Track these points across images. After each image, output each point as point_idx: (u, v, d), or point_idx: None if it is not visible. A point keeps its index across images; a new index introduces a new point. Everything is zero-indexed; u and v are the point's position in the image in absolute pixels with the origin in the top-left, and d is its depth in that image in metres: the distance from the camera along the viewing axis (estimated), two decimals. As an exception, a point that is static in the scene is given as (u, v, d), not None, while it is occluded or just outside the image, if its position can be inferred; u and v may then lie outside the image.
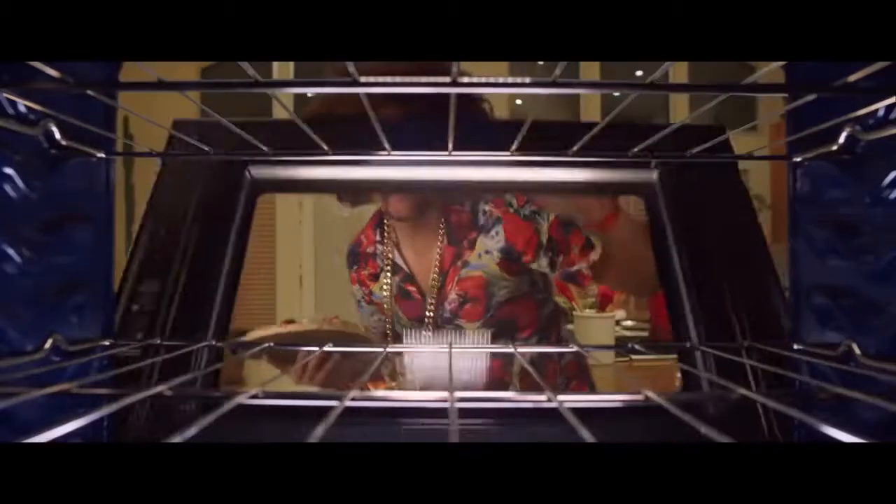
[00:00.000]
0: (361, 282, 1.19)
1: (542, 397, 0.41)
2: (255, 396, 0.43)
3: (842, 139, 0.62)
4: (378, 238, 1.17)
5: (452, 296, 1.10)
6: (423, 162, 0.94)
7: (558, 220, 1.11)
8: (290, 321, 0.94)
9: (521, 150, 0.68)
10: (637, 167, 0.85)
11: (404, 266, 1.15)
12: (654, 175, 0.85)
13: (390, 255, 1.16)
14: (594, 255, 1.12)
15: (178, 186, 0.88)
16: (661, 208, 0.85)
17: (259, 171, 0.85)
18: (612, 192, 0.99)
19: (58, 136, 0.62)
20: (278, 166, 0.84)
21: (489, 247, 1.10)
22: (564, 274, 1.13)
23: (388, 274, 1.15)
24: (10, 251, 0.60)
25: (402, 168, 0.87)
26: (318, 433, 0.29)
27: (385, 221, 1.17)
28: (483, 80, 0.49)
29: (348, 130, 0.68)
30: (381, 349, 0.77)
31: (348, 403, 0.38)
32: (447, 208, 1.13)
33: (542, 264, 1.12)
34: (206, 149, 0.71)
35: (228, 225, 0.88)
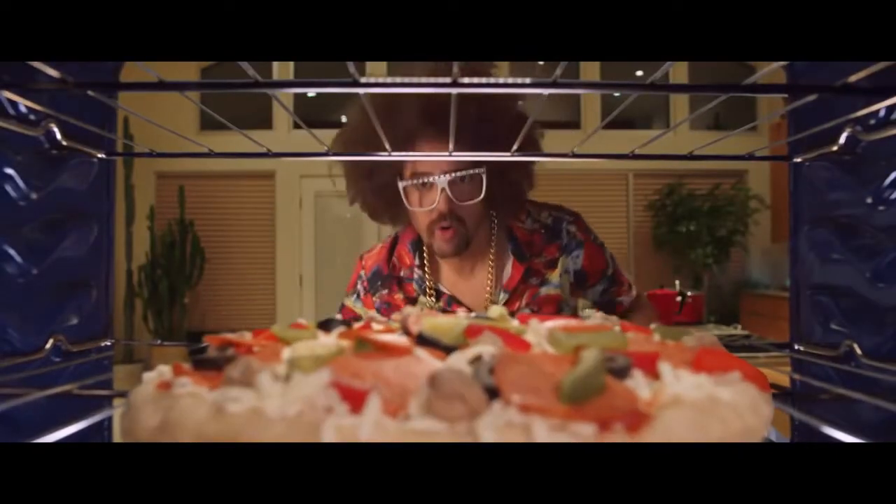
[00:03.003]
0: (393, 306, 1.10)
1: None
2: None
3: (842, 140, 0.62)
4: (417, 262, 1.09)
5: (525, 312, 1.05)
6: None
7: (612, 257, 1.14)
8: None
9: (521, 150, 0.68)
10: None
11: (446, 290, 1.09)
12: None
13: (430, 280, 1.09)
14: (633, 292, 1.15)
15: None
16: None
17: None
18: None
19: (58, 136, 0.62)
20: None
21: (568, 267, 1.08)
22: (605, 301, 1.14)
23: (433, 299, 1.07)
24: (11, 251, 0.60)
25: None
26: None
27: (424, 244, 1.09)
28: (483, 80, 0.49)
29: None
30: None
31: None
32: (511, 226, 1.09)
33: (597, 291, 1.12)
34: (207, 149, 0.71)
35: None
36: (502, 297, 1.07)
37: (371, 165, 1.00)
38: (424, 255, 1.10)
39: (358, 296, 1.12)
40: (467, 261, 1.08)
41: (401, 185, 0.97)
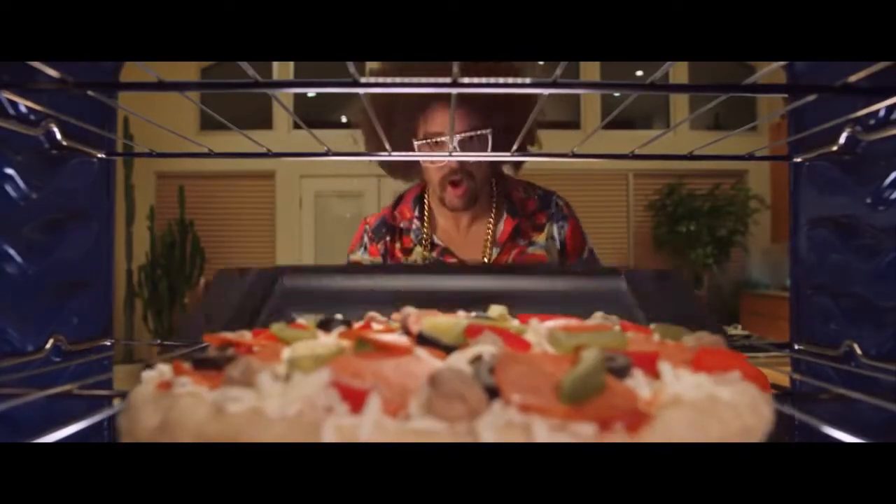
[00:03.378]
0: (390, 254, 1.20)
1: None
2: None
3: (842, 140, 0.62)
4: (417, 214, 1.20)
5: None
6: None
7: (592, 250, 1.24)
8: None
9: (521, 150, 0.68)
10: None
11: (440, 242, 1.19)
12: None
13: (427, 232, 1.19)
14: None
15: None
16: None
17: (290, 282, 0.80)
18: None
19: (58, 136, 0.62)
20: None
21: (553, 234, 1.18)
22: None
23: (427, 251, 1.18)
24: (11, 251, 0.60)
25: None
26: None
27: (425, 200, 1.21)
28: (483, 80, 0.49)
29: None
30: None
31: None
32: (510, 190, 1.20)
33: None
34: (207, 149, 0.71)
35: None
36: (494, 251, 1.16)
37: (388, 125, 1.09)
38: (425, 209, 1.20)
39: (364, 248, 1.22)
40: (466, 217, 1.18)
41: (416, 143, 1.07)
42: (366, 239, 1.22)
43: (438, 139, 1.04)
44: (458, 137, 1.02)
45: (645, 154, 0.72)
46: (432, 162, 1.07)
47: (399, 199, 1.24)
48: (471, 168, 1.07)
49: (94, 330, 0.73)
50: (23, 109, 0.59)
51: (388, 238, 1.20)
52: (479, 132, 1.02)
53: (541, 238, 1.17)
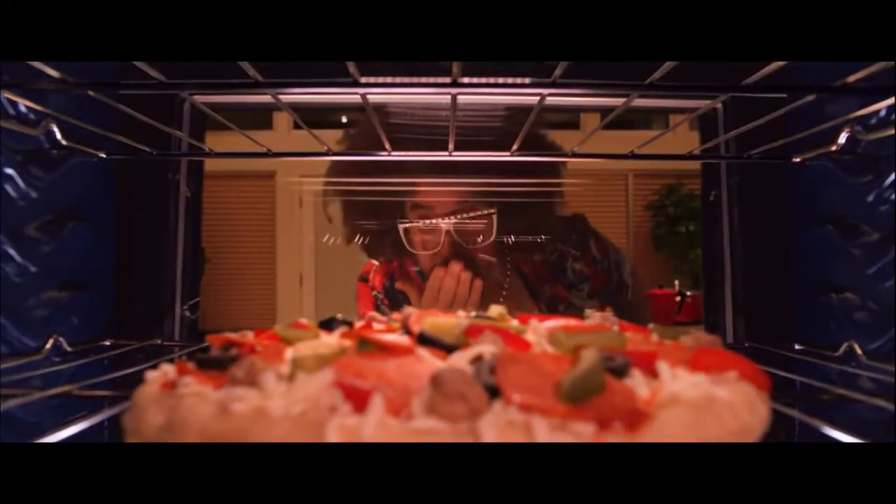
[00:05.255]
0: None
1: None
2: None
3: (842, 140, 0.62)
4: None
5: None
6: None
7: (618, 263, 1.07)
8: None
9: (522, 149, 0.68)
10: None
11: None
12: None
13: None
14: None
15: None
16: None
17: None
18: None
19: (58, 136, 0.62)
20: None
21: (579, 297, 1.02)
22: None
23: None
24: (11, 251, 0.60)
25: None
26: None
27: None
28: (483, 80, 0.49)
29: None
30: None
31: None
32: (519, 263, 1.00)
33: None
34: (206, 148, 0.71)
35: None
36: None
37: (370, 206, 0.93)
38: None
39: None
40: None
41: (401, 226, 0.89)
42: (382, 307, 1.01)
43: (429, 222, 0.87)
44: (451, 220, 0.86)
45: (645, 154, 0.72)
46: (424, 247, 0.90)
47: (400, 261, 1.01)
48: (470, 256, 0.86)
49: (94, 330, 0.73)
50: (23, 109, 0.59)
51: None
52: (481, 212, 0.86)
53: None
